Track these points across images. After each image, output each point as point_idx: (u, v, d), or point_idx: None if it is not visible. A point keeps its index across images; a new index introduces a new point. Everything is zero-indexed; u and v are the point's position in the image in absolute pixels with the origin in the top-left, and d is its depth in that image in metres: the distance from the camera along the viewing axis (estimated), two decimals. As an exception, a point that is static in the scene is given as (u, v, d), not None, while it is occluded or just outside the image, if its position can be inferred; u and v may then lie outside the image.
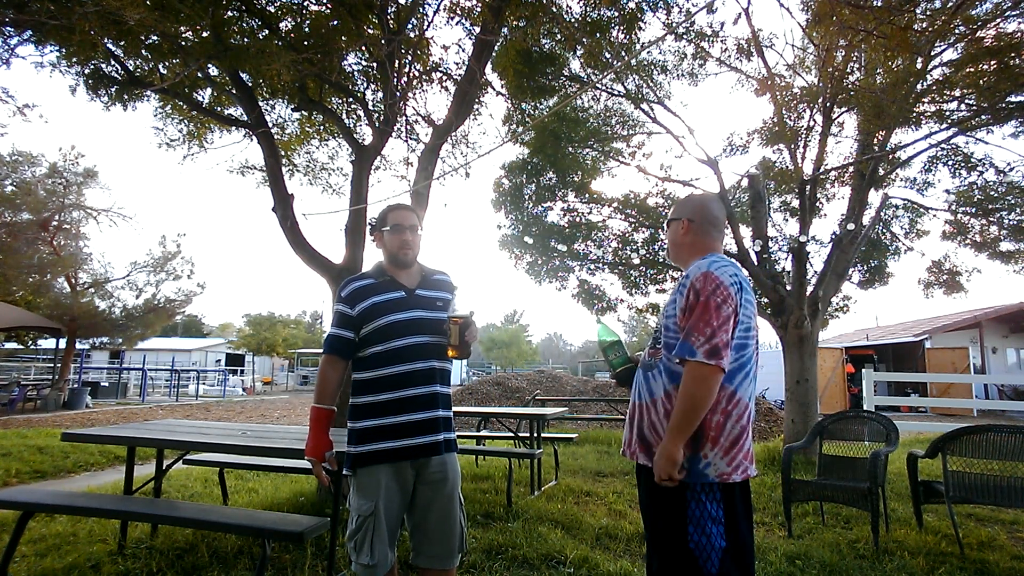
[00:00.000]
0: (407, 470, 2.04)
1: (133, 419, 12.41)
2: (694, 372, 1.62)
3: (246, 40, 4.71)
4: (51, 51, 4.59)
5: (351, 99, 5.87)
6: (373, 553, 1.94)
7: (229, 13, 4.80)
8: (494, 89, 6.56)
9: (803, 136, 7.01)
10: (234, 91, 5.17)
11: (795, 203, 7.88)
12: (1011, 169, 7.03)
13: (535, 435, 5.59)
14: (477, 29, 5.35)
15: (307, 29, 4.94)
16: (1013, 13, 5.00)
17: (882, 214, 7.78)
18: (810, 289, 6.92)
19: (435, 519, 2.05)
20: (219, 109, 5.96)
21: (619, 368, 2.06)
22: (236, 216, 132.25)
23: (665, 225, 2.03)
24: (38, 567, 3.15)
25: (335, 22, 4.78)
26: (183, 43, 4.54)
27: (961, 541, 3.58)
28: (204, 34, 4.56)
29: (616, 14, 5.66)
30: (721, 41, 6.78)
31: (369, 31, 5.16)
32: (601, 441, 8.47)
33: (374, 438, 2.02)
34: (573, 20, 5.81)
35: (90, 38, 3.86)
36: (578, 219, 8.36)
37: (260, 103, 5.39)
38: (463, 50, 5.95)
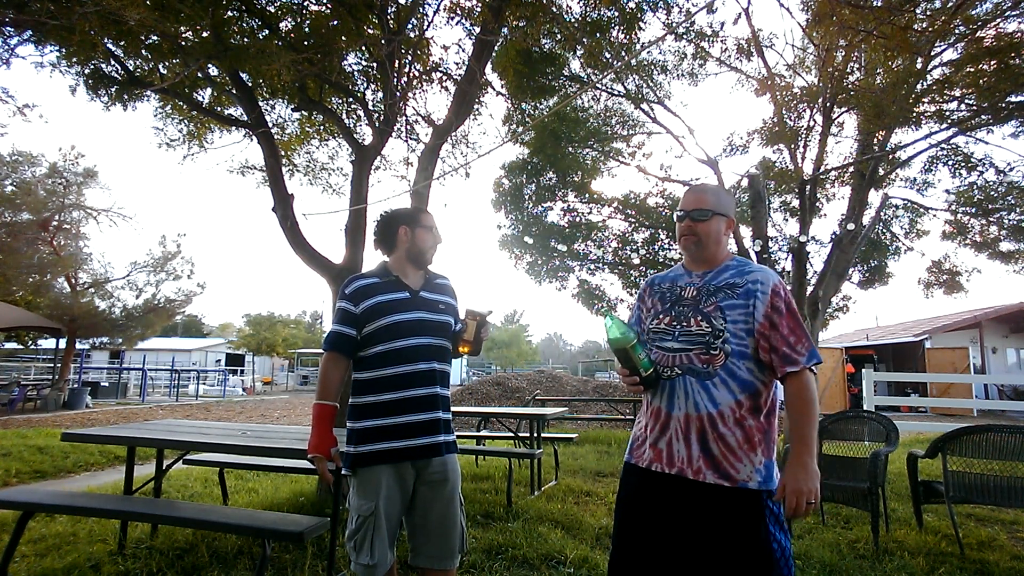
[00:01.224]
0: (408, 470, 2.04)
1: (133, 419, 12.42)
2: (810, 381, 1.63)
3: (246, 40, 4.71)
4: (51, 51, 4.60)
5: (351, 99, 5.87)
6: (373, 553, 1.95)
7: (229, 13, 4.80)
8: (494, 89, 6.57)
9: (803, 136, 7.02)
10: (234, 91, 5.18)
11: (795, 203, 7.89)
12: (1011, 169, 7.05)
13: (535, 435, 5.58)
14: (477, 29, 5.35)
15: (307, 29, 4.95)
16: (1013, 13, 5.00)
17: (882, 214, 7.79)
18: (810, 289, 6.93)
19: (435, 519, 2.05)
20: (219, 109, 5.96)
21: (650, 370, 1.72)
22: (236, 216, 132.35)
23: (699, 216, 1.79)
24: (38, 567, 3.14)
25: (335, 22, 4.78)
26: (183, 43, 4.54)
27: (961, 541, 3.58)
28: (204, 34, 4.56)
29: (616, 14, 5.66)
30: (721, 41, 6.80)
31: (369, 31, 5.16)
32: (601, 441, 8.47)
33: (375, 438, 2.02)
34: (573, 20, 5.82)
35: (90, 38, 3.86)
36: (578, 219, 8.38)
37: (260, 103, 5.39)
38: (463, 50, 5.96)
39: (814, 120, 6.99)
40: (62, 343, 16.16)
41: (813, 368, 1.63)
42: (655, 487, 1.71)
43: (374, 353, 2.07)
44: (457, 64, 6.08)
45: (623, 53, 6.23)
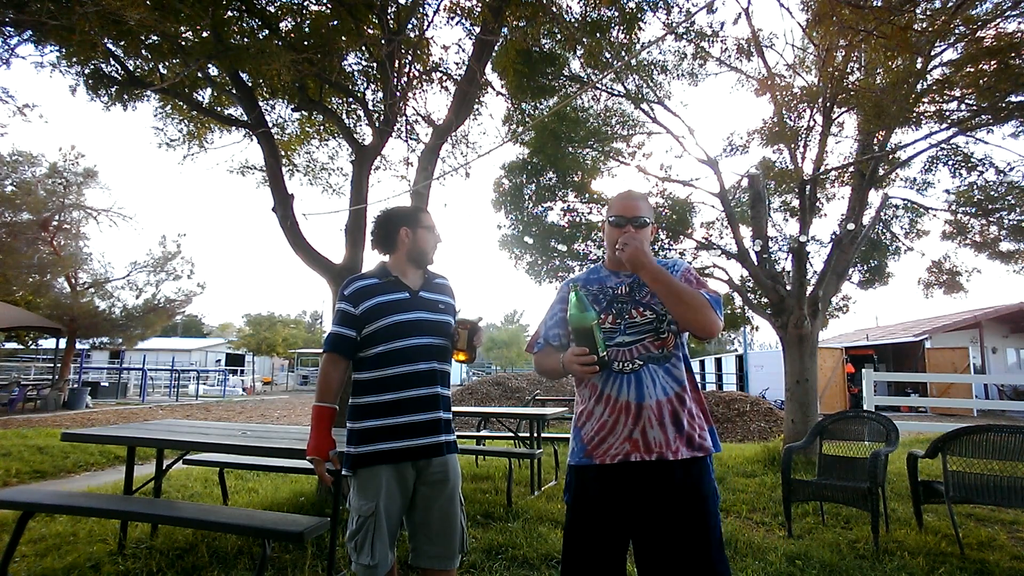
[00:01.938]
0: (408, 470, 2.04)
1: (133, 419, 12.41)
2: (713, 311, 1.79)
3: (246, 40, 4.71)
4: (51, 51, 4.59)
5: (351, 99, 5.87)
6: (374, 553, 1.95)
7: (229, 13, 4.80)
8: (494, 89, 6.56)
9: (803, 136, 7.01)
10: (234, 91, 5.17)
11: (795, 203, 7.88)
12: (1011, 169, 7.03)
13: (535, 435, 5.59)
14: (477, 29, 5.35)
15: (307, 29, 4.94)
16: (1013, 13, 5.00)
17: (882, 214, 7.78)
18: (810, 289, 6.92)
19: (436, 520, 2.05)
20: (219, 109, 5.96)
21: (605, 353, 1.73)
22: (236, 216, 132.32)
23: (640, 224, 1.89)
24: (38, 567, 3.15)
25: (335, 22, 4.78)
26: (183, 43, 4.54)
27: (961, 541, 3.58)
28: (204, 34, 4.56)
29: (616, 14, 5.66)
30: (721, 41, 6.78)
31: (369, 31, 5.16)
32: (601, 441, 8.45)
33: (376, 438, 2.02)
34: (573, 20, 5.81)
35: (90, 38, 3.85)
36: (578, 219, 8.36)
37: (260, 103, 5.39)
38: (463, 50, 5.96)
39: (814, 120, 6.98)
40: (62, 343, 16.17)
41: (719, 313, 1.79)
42: (623, 479, 1.74)
43: (374, 353, 2.07)
44: (457, 64, 6.09)
45: (623, 53, 6.23)
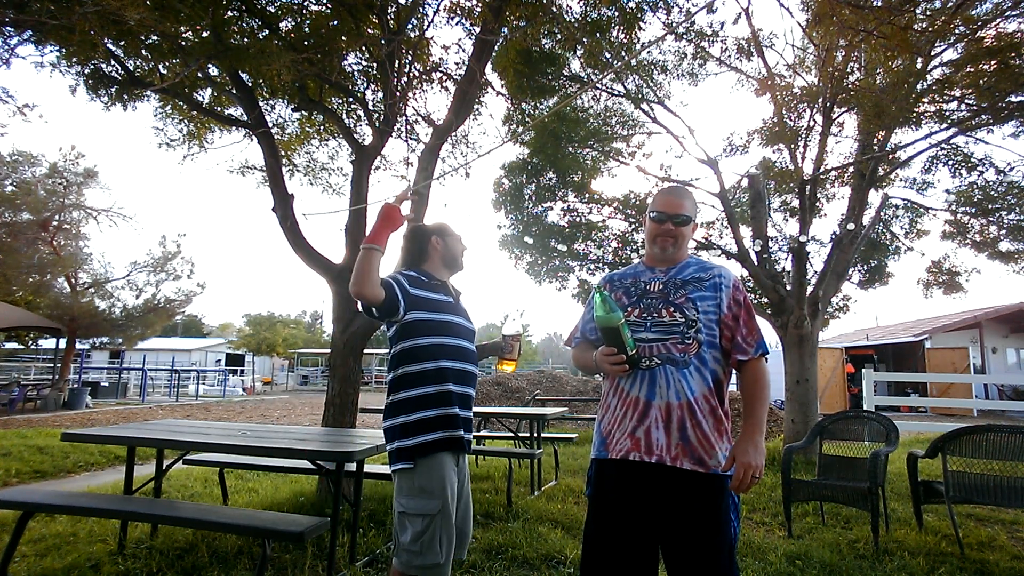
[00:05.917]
0: (459, 462, 2.15)
1: (133, 419, 12.41)
2: (764, 368, 1.80)
3: (246, 40, 4.71)
4: (51, 51, 4.58)
5: (351, 99, 5.86)
6: (442, 550, 1.95)
7: (229, 13, 4.79)
8: (494, 89, 6.56)
9: (803, 136, 7.01)
10: (234, 91, 5.17)
11: (795, 203, 7.88)
12: (1011, 169, 7.03)
13: (535, 435, 5.59)
14: (477, 29, 5.34)
15: (307, 29, 4.94)
16: (1013, 13, 5.00)
17: (882, 214, 7.78)
18: (810, 289, 6.92)
19: (460, 513, 2.16)
20: (219, 109, 5.96)
21: (634, 351, 1.74)
22: (236, 216, 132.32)
23: (681, 221, 1.88)
24: (38, 567, 3.14)
25: (335, 22, 4.77)
26: (183, 43, 4.53)
27: (961, 541, 3.58)
28: (204, 34, 4.56)
29: (616, 14, 5.66)
30: (721, 41, 6.79)
31: (369, 31, 5.16)
32: (601, 441, 8.45)
33: (436, 427, 2.04)
34: (573, 20, 5.81)
35: (90, 38, 3.85)
36: (578, 219, 8.36)
37: (260, 103, 5.39)
38: (463, 50, 5.95)
39: (814, 120, 6.98)
40: (62, 343, 16.16)
41: (766, 355, 1.81)
42: (632, 477, 1.73)
43: (431, 344, 2.10)
44: (457, 64, 6.08)
45: (623, 53, 6.22)
